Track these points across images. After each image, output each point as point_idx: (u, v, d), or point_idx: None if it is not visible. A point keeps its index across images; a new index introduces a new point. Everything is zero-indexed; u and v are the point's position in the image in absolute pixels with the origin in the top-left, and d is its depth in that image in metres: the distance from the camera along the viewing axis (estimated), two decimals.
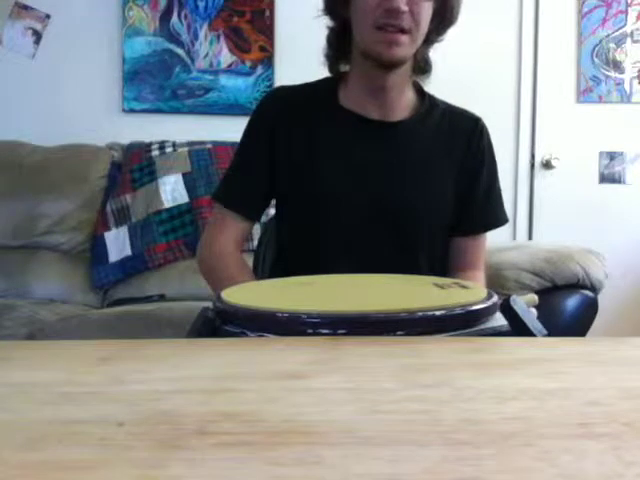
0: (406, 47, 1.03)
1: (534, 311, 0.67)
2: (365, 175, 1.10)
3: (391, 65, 1.06)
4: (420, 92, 1.17)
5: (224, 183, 1.19)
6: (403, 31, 1.01)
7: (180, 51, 2.67)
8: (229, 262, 1.12)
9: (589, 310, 1.70)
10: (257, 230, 2.32)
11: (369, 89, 1.11)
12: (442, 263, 1.17)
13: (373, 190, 1.10)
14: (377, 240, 1.10)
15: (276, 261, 1.24)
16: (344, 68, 1.15)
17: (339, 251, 1.09)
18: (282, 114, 1.13)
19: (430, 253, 1.14)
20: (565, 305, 1.67)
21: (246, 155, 1.16)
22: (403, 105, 1.13)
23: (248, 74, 2.67)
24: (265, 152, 1.13)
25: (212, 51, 2.67)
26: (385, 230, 1.10)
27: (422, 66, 1.13)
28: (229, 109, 2.66)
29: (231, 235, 1.15)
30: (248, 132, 1.17)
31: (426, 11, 1.03)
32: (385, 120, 1.12)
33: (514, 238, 2.74)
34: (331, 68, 1.15)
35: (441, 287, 0.71)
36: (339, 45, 1.12)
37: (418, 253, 1.13)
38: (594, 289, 1.71)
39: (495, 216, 1.21)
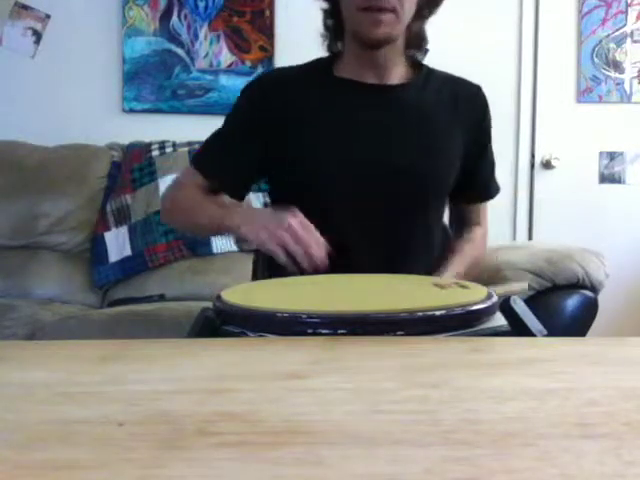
0: (391, 25, 1.02)
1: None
2: (366, 137, 1.09)
3: (377, 44, 1.05)
4: (415, 65, 1.16)
5: (204, 151, 1.18)
6: (386, 10, 1.00)
7: (180, 51, 2.66)
8: (194, 192, 1.11)
9: (589, 310, 1.70)
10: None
11: (364, 62, 1.10)
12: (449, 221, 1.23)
13: (375, 152, 1.08)
14: (384, 201, 1.09)
15: None
16: (340, 47, 1.15)
17: (347, 217, 1.07)
18: (276, 93, 1.11)
19: (438, 211, 1.17)
20: (565, 305, 1.67)
21: (234, 127, 1.15)
22: (399, 74, 1.13)
23: (248, 74, 2.67)
24: (255, 129, 1.11)
25: (212, 51, 2.67)
26: (391, 192, 1.09)
27: (416, 41, 1.12)
28: (229, 109, 2.66)
29: (199, 186, 1.12)
30: (240, 108, 1.16)
31: None
32: (382, 83, 1.11)
33: (514, 238, 2.73)
34: (329, 47, 1.15)
35: (441, 287, 0.71)
36: (334, 26, 1.13)
37: (427, 212, 1.13)
38: (594, 289, 1.71)
39: (495, 186, 1.24)
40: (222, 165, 1.12)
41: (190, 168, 1.16)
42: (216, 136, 1.18)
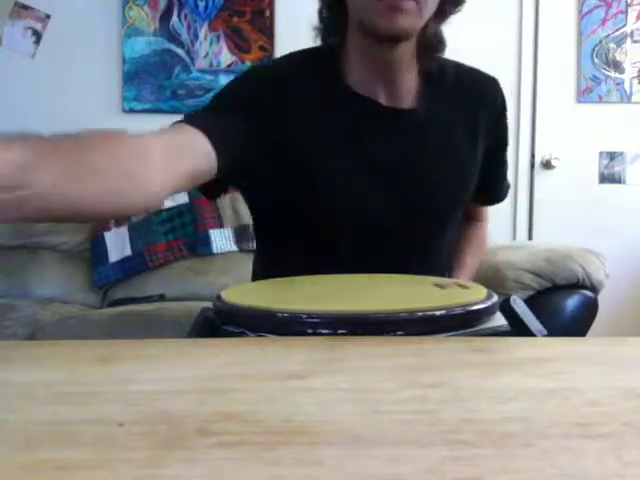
0: (412, 16, 0.84)
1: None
2: (387, 171, 0.95)
3: (393, 39, 0.87)
4: (426, 71, 0.98)
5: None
6: None
7: (180, 51, 2.67)
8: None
9: (589, 310, 1.70)
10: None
11: (372, 67, 0.93)
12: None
13: (395, 189, 0.95)
14: (393, 240, 0.96)
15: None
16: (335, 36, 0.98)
17: (358, 256, 0.95)
18: (277, 101, 0.91)
19: (449, 234, 1.07)
20: (565, 305, 1.67)
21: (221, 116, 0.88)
22: (409, 85, 0.96)
23: None
24: (247, 130, 0.87)
25: (212, 51, 2.67)
26: (411, 228, 0.97)
27: (433, 43, 0.94)
28: None
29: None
30: (228, 104, 0.91)
31: None
32: (397, 107, 0.95)
33: (514, 238, 2.73)
34: (322, 42, 0.99)
35: (441, 287, 0.71)
36: (332, 18, 0.95)
37: (439, 240, 1.05)
38: (594, 289, 1.71)
39: (507, 186, 1.18)
40: (214, 124, 0.84)
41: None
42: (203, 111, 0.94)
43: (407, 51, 0.92)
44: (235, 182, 0.96)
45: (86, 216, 0.63)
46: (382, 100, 0.95)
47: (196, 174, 0.78)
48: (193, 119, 0.84)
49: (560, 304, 1.67)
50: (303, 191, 0.93)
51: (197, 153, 0.78)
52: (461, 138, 1.00)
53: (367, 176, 0.94)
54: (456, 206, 1.04)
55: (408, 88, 0.96)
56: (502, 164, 1.14)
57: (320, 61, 0.96)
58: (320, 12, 0.97)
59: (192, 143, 0.78)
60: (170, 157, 0.73)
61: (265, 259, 1.09)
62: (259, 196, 1.01)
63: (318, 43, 1.00)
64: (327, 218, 0.94)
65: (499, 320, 0.63)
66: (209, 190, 0.89)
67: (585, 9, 2.73)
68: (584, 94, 2.74)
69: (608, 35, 2.74)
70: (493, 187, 1.14)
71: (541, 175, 2.76)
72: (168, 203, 2.35)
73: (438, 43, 0.95)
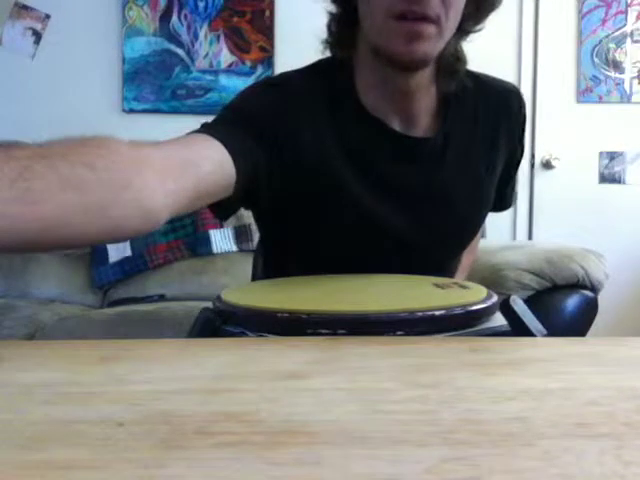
0: (432, 41, 0.78)
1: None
2: (399, 195, 0.90)
3: (411, 67, 0.82)
4: (443, 89, 0.92)
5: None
6: (428, 19, 0.76)
7: (180, 51, 2.67)
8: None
9: (589, 310, 1.70)
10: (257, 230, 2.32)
11: (386, 93, 0.87)
12: None
13: (408, 211, 0.90)
14: (411, 259, 0.92)
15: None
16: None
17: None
18: (284, 115, 0.85)
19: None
20: (565, 305, 1.67)
21: (238, 130, 0.81)
22: (426, 111, 0.90)
23: (248, 74, 2.67)
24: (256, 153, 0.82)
25: (212, 51, 2.67)
26: (414, 248, 0.92)
27: (453, 63, 0.88)
28: None
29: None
30: (250, 117, 0.84)
31: None
32: (411, 135, 0.90)
33: (514, 238, 2.74)
34: (332, 53, 0.92)
35: (441, 287, 0.71)
36: (341, 34, 0.89)
37: (458, 258, 1.03)
38: (594, 289, 1.71)
39: (513, 197, 1.10)
40: (230, 137, 0.77)
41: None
42: (218, 121, 0.87)
43: (424, 76, 0.86)
44: (246, 197, 0.84)
45: (61, 242, 0.50)
46: (396, 127, 0.89)
47: (207, 190, 0.70)
48: (210, 130, 0.78)
49: (560, 304, 1.67)
50: (309, 208, 0.88)
51: (210, 167, 0.70)
52: (480, 160, 0.95)
53: (377, 196, 0.89)
54: (474, 228, 1.01)
55: (425, 114, 0.91)
56: (514, 176, 1.07)
57: (333, 76, 0.90)
58: (329, 26, 0.90)
59: (206, 155, 0.71)
60: (174, 170, 0.63)
61: (266, 261, 1.08)
62: (266, 208, 0.92)
63: (320, 54, 0.94)
64: (334, 235, 0.89)
65: (499, 320, 0.63)
66: (219, 209, 0.83)
67: (585, 9, 2.73)
68: (584, 94, 2.74)
69: (608, 35, 2.74)
70: (502, 196, 1.06)
71: (541, 175, 2.76)
72: None
73: (458, 61, 0.89)
